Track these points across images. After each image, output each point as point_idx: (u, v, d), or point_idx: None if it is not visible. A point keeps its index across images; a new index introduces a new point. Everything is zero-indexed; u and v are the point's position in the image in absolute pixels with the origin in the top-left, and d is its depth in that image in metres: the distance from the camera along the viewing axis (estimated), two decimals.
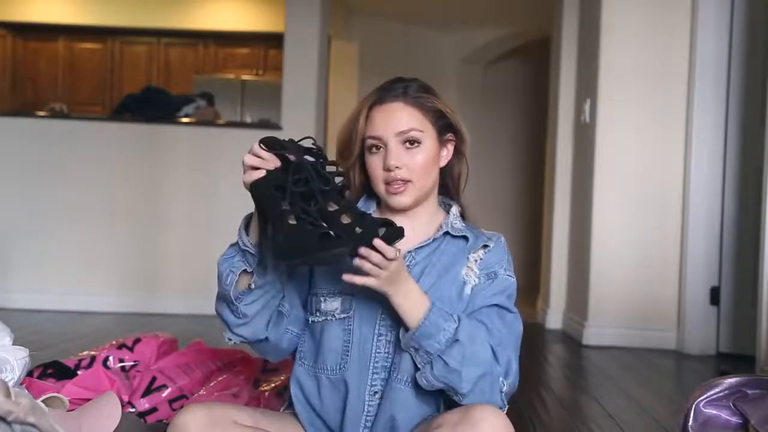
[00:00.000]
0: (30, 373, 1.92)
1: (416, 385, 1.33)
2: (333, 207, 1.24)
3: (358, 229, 1.22)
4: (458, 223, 1.43)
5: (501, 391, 1.32)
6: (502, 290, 1.38)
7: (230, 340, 1.40)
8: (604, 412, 2.37)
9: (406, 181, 1.37)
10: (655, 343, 3.71)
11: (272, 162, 1.27)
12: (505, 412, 1.31)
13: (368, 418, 1.36)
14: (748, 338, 3.31)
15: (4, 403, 1.29)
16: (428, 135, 1.39)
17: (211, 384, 1.96)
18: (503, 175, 7.13)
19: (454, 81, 6.73)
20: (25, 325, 3.60)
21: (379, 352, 1.36)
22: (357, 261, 1.22)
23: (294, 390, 1.42)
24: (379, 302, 1.35)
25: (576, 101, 4.40)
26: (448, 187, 1.50)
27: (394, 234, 1.23)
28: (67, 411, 1.62)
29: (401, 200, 1.38)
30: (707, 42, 3.67)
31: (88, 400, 1.73)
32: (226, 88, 6.43)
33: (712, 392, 1.55)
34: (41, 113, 5.20)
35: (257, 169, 1.27)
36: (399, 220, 1.41)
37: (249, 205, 1.33)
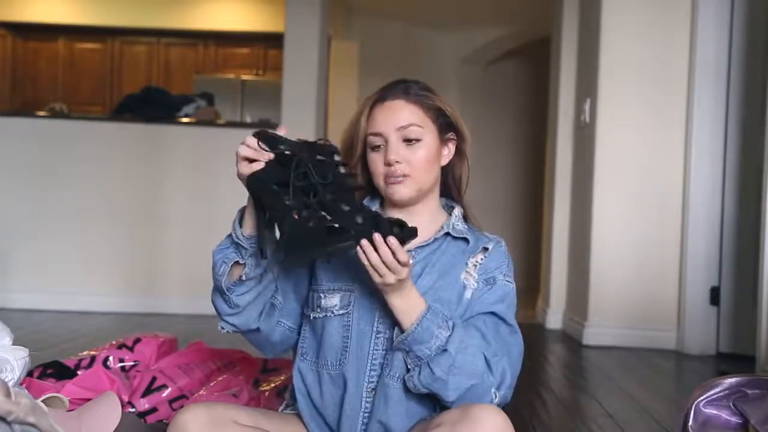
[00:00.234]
0: (30, 373, 1.93)
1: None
2: (346, 207, 1.23)
3: (359, 219, 1.22)
4: (460, 225, 1.43)
5: (492, 402, 1.30)
6: (501, 298, 1.38)
7: (223, 328, 1.43)
8: (604, 412, 2.37)
9: (405, 175, 1.37)
10: (655, 343, 3.71)
11: (266, 154, 1.29)
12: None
13: (365, 414, 1.36)
14: (748, 338, 3.31)
15: (4, 403, 1.29)
16: (429, 132, 1.39)
17: (211, 384, 1.96)
18: (503, 175, 7.13)
19: (454, 81, 6.74)
20: (25, 325, 3.60)
21: (377, 349, 1.37)
22: (360, 255, 1.22)
23: (297, 383, 1.43)
24: (378, 300, 1.35)
25: (576, 101, 4.40)
26: (450, 187, 1.50)
27: (408, 233, 1.23)
28: (67, 411, 1.62)
29: (400, 190, 1.38)
30: (707, 42, 3.67)
31: (88, 400, 1.73)
32: (226, 88, 6.43)
33: (712, 392, 1.55)
34: (41, 113, 5.20)
35: (252, 161, 1.28)
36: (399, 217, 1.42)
37: None
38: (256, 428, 1.32)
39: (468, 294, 1.37)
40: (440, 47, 6.80)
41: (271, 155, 1.27)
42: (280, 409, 1.52)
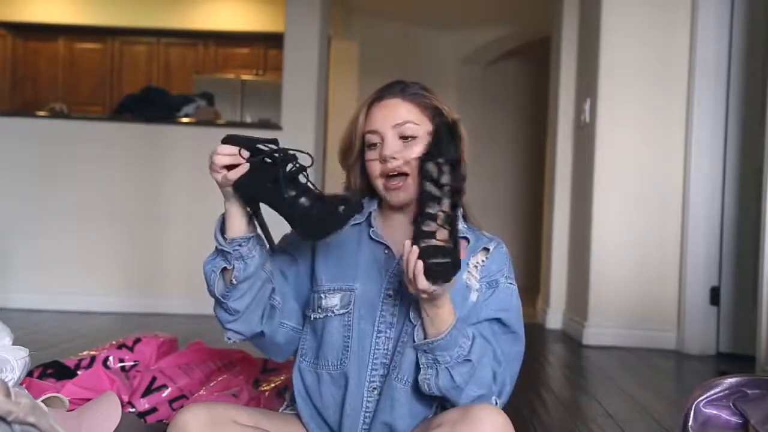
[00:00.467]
0: (30, 373, 1.93)
1: (416, 385, 1.34)
2: (292, 192, 1.28)
3: (304, 201, 1.28)
4: (460, 224, 1.43)
5: None
6: (506, 305, 1.38)
7: (229, 339, 1.41)
8: (604, 412, 2.37)
9: (403, 175, 1.37)
10: (655, 343, 3.71)
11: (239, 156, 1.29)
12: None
13: (367, 414, 1.37)
14: (748, 338, 3.31)
15: (4, 403, 1.29)
16: (425, 129, 1.39)
17: (211, 384, 1.96)
18: (503, 175, 7.13)
19: (453, 81, 6.74)
20: (25, 325, 3.60)
21: (378, 349, 1.37)
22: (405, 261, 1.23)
23: (297, 384, 1.43)
24: (379, 300, 1.36)
25: (576, 101, 4.40)
26: None
27: (352, 209, 1.27)
28: (67, 411, 1.62)
29: (399, 196, 1.38)
30: (707, 42, 3.67)
31: (88, 400, 1.73)
32: (226, 88, 6.43)
33: (712, 392, 1.55)
34: (41, 113, 5.20)
35: (231, 167, 1.28)
36: (398, 219, 1.42)
37: None
38: (256, 428, 1.32)
39: (473, 297, 1.36)
40: (440, 47, 6.80)
41: (245, 155, 1.29)
42: (280, 410, 1.52)
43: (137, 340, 2.22)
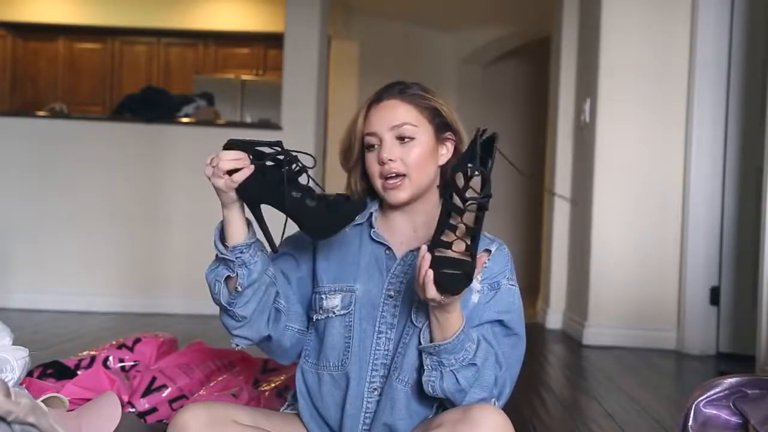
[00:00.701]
0: (30, 373, 1.93)
1: (416, 387, 1.34)
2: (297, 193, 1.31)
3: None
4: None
5: None
6: (509, 307, 1.38)
7: (237, 345, 1.40)
8: (604, 412, 2.37)
9: (401, 176, 1.37)
10: (655, 343, 3.71)
11: (247, 161, 1.29)
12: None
13: (367, 414, 1.37)
14: (748, 338, 3.31)
15: (4, 403, 1.29)
16: (423, 130, 1.39)
17: (211, 384, 1.96)
18: (503, 175, 7.11)
19: (453, 81, 6.74)
20: (25, 325, 3.60)
21: (378, 349, 1.37)
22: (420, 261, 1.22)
23: (299, 385, 1.43)
24: (380, 300, 1.36)
25: (576, 101, 4.40)
26: None
27: (357, 205, 1.33)
28: (67, 411, 1.62)
29: (398, 195, 1.38)
30: (707, 42, 3.67)
31: (88, 400, 1.73)
32: (226, 88, 6.43)
33: (712, 392, 1.55)
34: (41, 113, 5.20)
35: (233, 171, 1.27)
36: (399, 219, 1.42)
37: None
38: (256, 428, 1.32)
39: (475, 298, 1.36)
40: (440, 47, 6.79)
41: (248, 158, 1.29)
42: (281, 409, 1.52)
43: (137, 340, 2.22)
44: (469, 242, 1.22)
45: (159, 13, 6.94)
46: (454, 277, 1.19)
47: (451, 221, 1.23)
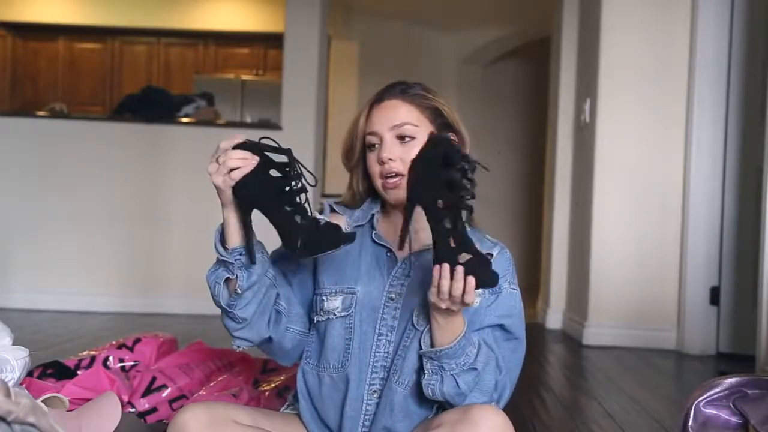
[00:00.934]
0: (30, 373, 1.93)
1: (415, 389, 1.34)
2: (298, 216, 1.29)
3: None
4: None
5: None
6: (509, 311, 1.37)
7: (238, 347, 1.40)
8: (604, 412, 2.37)
9: (401, 175, 1.37)
10: (655, 343, 3.71)
11: (252, 162, 1.28)
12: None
13: (367, 417, 1.37)
14: (748, 338, 3.31)
15: (4, 403, 1.29)
16: (424, 130, 1.39)
17: (211, 384, 1.96)
18: (503, 175, 7.13)
19: (453, 81, 6.74)
20: (25, 325, 3.60)
21: (378, 352, 1.37)
22: (434, 273, 1.20)
23: (300, 385, 1.43)
24: (381, 302, 1.36)
25: (576, 101, 4.40)
26: None
27: (343, 238, 1.28)
28: (67, 411, 1.62)
29: (398, 194, 1.38)
30: (707, 42, 3.67)
31: (88, 400, 1.73)
32: (226, 88, 6.43)
33: (712, 392, 1.55)
34: (41, 113, 5.20)
35: (233, 170, 1.27)
36: (400, 220, 1.42)
37: None
38: (256, 428, 1.32)
39: (476, 302, 1.36)
40: (440, 47, 6.79)
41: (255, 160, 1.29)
42: (280, 410, 1.52)
43: (137, 340, 2.22)
44: (466, 242, 1.23)
45: (159, 13, 6.94)
46: (493, 274, 1.20)
47: (446, 225, 1.22)
